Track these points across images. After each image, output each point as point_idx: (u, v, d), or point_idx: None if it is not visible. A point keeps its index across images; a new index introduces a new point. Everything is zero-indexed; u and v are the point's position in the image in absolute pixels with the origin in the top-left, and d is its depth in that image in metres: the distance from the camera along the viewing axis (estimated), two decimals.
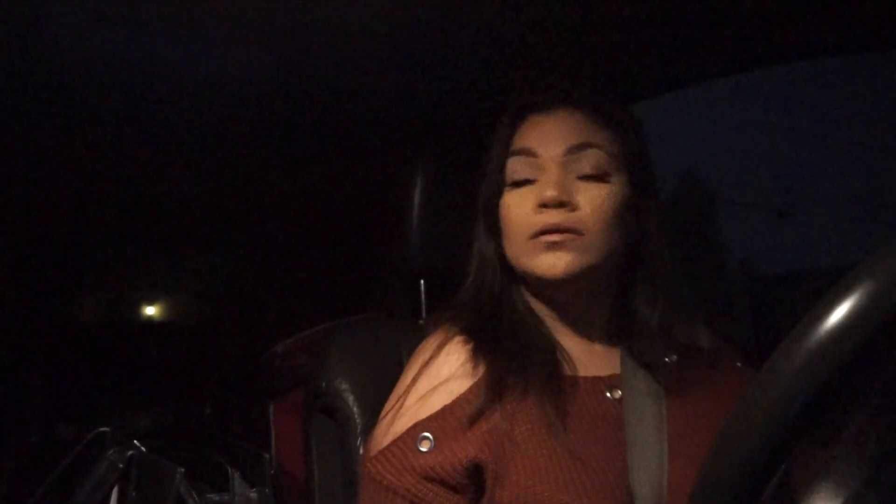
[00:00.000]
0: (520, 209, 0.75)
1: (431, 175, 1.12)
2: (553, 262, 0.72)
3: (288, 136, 1.15)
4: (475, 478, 0.70)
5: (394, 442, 0.72)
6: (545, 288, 0.77)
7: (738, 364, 0.82)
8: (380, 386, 0.88)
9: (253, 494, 1.18)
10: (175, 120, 1.06)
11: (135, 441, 1.24)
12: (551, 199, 0.72)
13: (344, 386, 0.93)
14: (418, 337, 0.85)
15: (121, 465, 1.20)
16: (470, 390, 0.72)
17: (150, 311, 2.53)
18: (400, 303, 1.21)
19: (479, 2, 0.79)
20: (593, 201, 0.73)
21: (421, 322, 1.11)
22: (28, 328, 2.00)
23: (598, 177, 0.74)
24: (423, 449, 0.70)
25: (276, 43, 0.85)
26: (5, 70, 0.88)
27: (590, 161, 0.74)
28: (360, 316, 1.19)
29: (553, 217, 0.72)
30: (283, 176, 1.33)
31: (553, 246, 0.72)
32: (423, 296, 1.14)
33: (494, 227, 0.79)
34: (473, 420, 0.70)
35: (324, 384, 0.95)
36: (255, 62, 0.90)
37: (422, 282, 1.14)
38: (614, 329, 0.80)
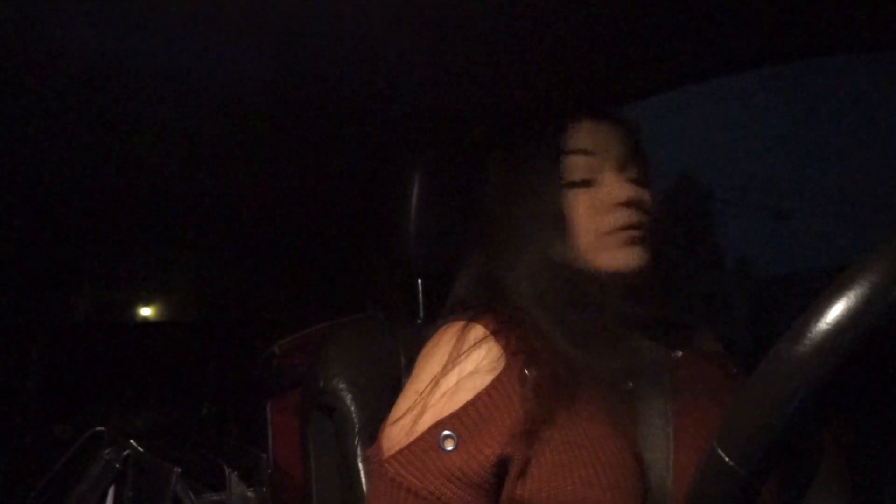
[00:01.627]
0: (592, 206, 0.79)
1: (429, 174, 1.12)
2: (632, 256, 0.77)
3: (286, 135, 1.15)
4: (501, 476, 0.68)
5: (415, 441, 0.70)
6: (608, 283, 0.77)
7: (734, 371, 0.83)
8: (378, 385, 0.87)
9: (250, 494, 1.17)
10: (172, 118, 1.06)
11: (131, 441, 1.23)
12: (635, 199, 0.78)
13: (342, 385, 0.93)
14: (416, 336, 0.85)
15: (117, 465, 1.20)
16: (492, 385, 0.71)
17: (146, 310, 2.52)
18: (397, 302, 1.21)
19: (479, 4, 0.79)
20: (649, 202, 0.80)
21: (419, 321, 1.11)
22: (23, 328, 2.00)
23: (643, 182, 0.81)
24: (448, 448, 0.68)
25: (274, 42, 0.84)
26: (2, 68, 0.87)
27: (637, 168, 0.82)
28: (357, 315, 1.19)
29: (634, 215, 0.78)
30: (280, 175, 1.32)
31: (633, 240, 0.78)
32: (420, 295, 1.14)
33: (554, 225, 0.80)
34: (497, 415, 0.69)
35: (321, 383, 0.95)
36: (253, 61, 0.89)
37: (419, 281, 1.14)
38: (629, 323, 0.80)
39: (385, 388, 0.82)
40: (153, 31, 0.80)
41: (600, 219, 0.78)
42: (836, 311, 0.41)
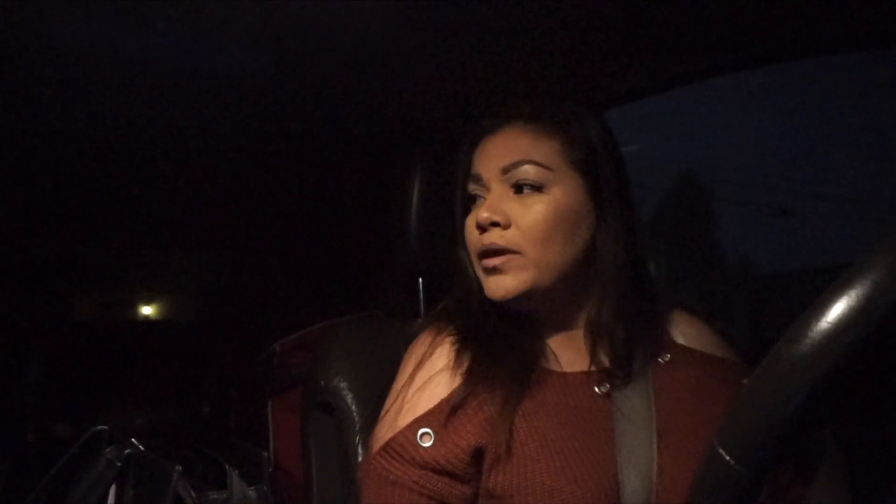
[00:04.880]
0: (470, 230, 0.79)
1: (430, 173, 1.12)
2: (496, 286, 0.75)
3: (287, 134, 1.15)
4: (478, 465, 0.72)
5: (394, 437, 0.74)
6: (503, 307, 0.78)
7: (743, 381, 0.82)
8: (378, 384, 0.88)
9: (251, 492, 1.18)
10: (174, 119, 1.06)
11: (132, 439, 1.23)
12: (484, 221, 0.75)
13: (342, 384, 0.93)
14: (417, 335, 0.85)
15: (118, 464, 1.19)
16: (463, 383, 0.75)
17: (148, 309, 2.53)
18: (399, 301, 1.21)
19: (478, 3, 0.79)
20: (529, 216, 0.74)
21: (419, 320, 1.11)
22: (25, 327, 2.00)
23: (535, 188, 0.75)
24: (425, 444, 0.72)
25: (275, 43, 0.85)
26: (3, 68, 0.87)
27: (524, 176, 0.75)
28: (358, 314, 1.19)
29: (489, 237, 0.75)
30: (282, 175, 1.32)
31: (493, 270, 0.75)
32: (421, 294, 1.14)
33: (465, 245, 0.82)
34: (470, 411, 0.73)
35: (322, 382, 0.95)
36: (255, 62, 0.89)
37: (420, 280, 1.14)
38: (598, 328, 0.80)
39: (386, 386, 0.82)
40: (159, 34, 0.81)
41: (474, 242, 0.77)
42: (837, 310, 0.41)
